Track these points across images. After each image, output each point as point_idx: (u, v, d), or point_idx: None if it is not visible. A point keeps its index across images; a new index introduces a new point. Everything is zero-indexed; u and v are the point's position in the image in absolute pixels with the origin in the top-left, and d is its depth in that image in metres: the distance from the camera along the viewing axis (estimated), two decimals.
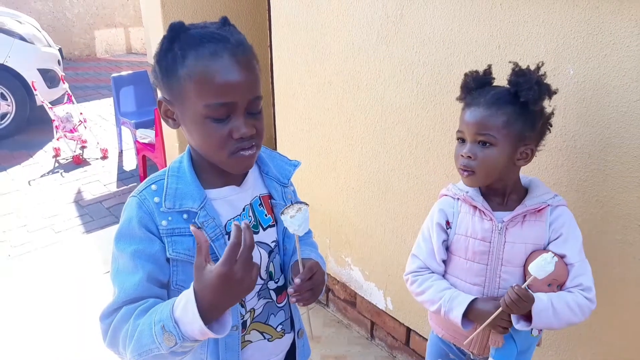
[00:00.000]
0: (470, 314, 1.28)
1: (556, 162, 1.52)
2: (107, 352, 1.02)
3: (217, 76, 0.93)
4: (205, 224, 1.02)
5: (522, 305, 1.18)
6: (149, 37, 7.20)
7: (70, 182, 4.56)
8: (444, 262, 1.41)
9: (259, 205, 1.14)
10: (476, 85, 1.32)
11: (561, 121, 1.46)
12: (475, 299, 1.29)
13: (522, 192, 1.34)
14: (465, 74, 1.35)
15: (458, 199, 1.38)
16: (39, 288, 3.03)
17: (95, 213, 4.01)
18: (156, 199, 1.02)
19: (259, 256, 1.12)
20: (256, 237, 1.10)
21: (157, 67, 1.00)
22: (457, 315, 1.28)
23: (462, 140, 1.31)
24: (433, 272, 1.41)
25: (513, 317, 1.24)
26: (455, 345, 1.48)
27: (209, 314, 0.85)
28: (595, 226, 1.47)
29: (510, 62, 1.29)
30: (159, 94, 1.06)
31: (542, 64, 1.26)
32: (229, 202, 1.09)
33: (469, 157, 1.26)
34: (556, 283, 1.25)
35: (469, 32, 1.65)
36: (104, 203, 4.19)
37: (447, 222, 1.38)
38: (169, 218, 1.01)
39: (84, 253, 3.40)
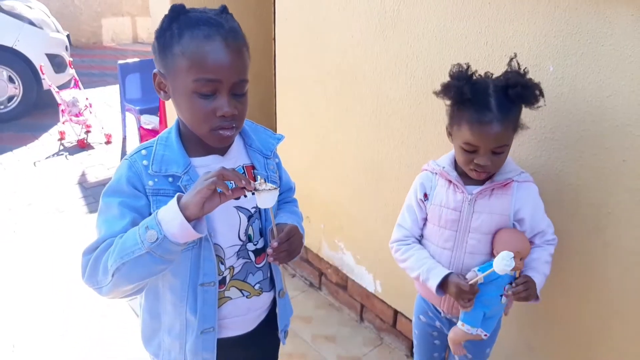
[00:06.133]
0: (443, 285, 1.44)
1: (535, 153, 1.63)
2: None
3: (207, 55, 1.05)
4: (187, 187, 1.13)
5: (466, 297, 1.38)
6: (156, 26, 7.29)
7: (74, 165, 4.66)
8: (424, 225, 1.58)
9: (242, 174, 1.25)
10: (472, 95, 1.36)
11: (540, 115, 1.57)
12: (449, 273, 1.44)
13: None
14: (456, 85, 1.38)
15: (436, 173, 1.52)
16: (43, 262, 3.16)
17: (98, 195, 4.00)
18: (144, 162, 1.14)
19: (239, 219, 1.24)
20: (237, 202, 1.23)
21: (156, 43, 1.12)
22: (432, 285, 1.44)
23: (472, 151, 1.38)
24: (416, 240, 1.58)
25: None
26: (433, 304, 1.65)
27: (186, 210, 1.00)
28: (569, 213, 1.59)
29: (508, 70, 1.40)
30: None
31: (516, 55, 1.41)
32: (212, 170, 1.20)
33: (487, 165, 1.37)
34: (519, 255, 1.39)
35: (459, 28, 1.76)
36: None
37: (425, 195, 1.53)
38: (155, 180, 1.13)
39: (87, 231, 3.51)
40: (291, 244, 1.18)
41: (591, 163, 1.51)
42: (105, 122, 5.45)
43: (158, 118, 4.32)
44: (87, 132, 5.21)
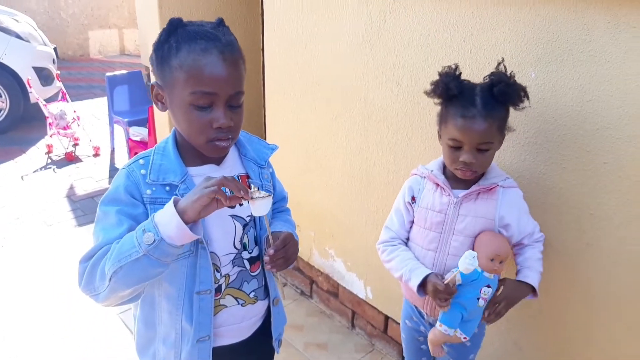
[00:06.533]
0: (424, 286, 1.47)
1: (519, 157, 1.67)
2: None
3: (204, 68, 1.07)
4: (184, 196, 1.13)
5: (441, 296, 1.41)
6: (144, 38, 7.31)
7: (62, 178, 4.64)
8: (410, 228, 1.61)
9: (241, 184, 1.27)
10: (458, 92, 1.43)
11: (524, 120, 1.62)
12: (429, 274, 1.47)
13: (480, 173, 1.50)
14: (443, 81, 1.44)
15: (424, 177, 1.56)
16: (31, 278, 3.13)
17: (87, 208, 4.09)
18: (142, 171, 1.16)
19: (234, 228, 1.26)
20: (232, 211, 1.24)
21: (154, 55, 1.14)
22: (413, 285, 1.48)
23: (457, 147, 1.42)
24: (402, 242, 1.61)
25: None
26: (417, 308, 1.68)
27: (184, 215, 1.02)
28: (552, 215, 1.62)
29: (494, 71, 1.44)
30: (152, 79, 1.19)
31: (503, 60, 1.45)
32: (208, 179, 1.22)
33: (472, 162, 1.40)
34: (499, 259, 1.42)
35: (444, 37, 1.80)
36: (95, 198, 4.27)
37: (413, 198, 1.57)
38: (153, 189, 1.15)
39: (76, 245, 3.50)
40: (287, 251, 1.21)
41: (573, 166, 1.55)
42: (93, 135, 5.44)
43: (147, 129, 4.33)
44: (75, 144, 5.21)
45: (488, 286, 1.43)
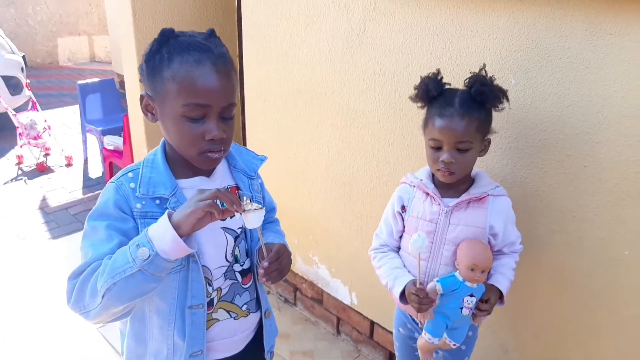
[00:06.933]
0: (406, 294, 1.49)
1: (501, 161, 1.70)
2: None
3: (197, 80, 1.06)
4: (176, 209, 1.12)
5: (416, 299, 1.41)
6: (116, 45, 7.18)
7: (34, 190, 4.51)
8: (400, 237, 1.62)
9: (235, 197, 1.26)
10: (437, 93, 1.45)
11: (505, 125, 1.64)
12: (409, 280, 1.48)
13: (469, 181, 1.53)
14: (424, 82, 1.48)
15: (414, 186, 1.56)
16: (4, 292, 3.03)
17: (60, 220, 3.99)
18: (132, 185, 1.14)
19: (225, 240, 1.24)
20: (223, 223, 1.23)
21: (145, 65, 1.12)
22: (396, 292, 1.50)
23: (437, 147, 1.44)
24: (391, 249, 1.62)
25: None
26: (410, 316, 1.68)
27: (178, 229, 1.00)
28: (535, 218, 1.66)
29: (471, 72, 1.46)
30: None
31: (485, 65, 1.46)
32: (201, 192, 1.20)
33: (450, 162, 1.41)
34: (478, 268, 1.41)
35: (424, 44, 1.82)
36: (69, 210, 4.17)
37: (403, 207, 1.57)
38: (143, 202, 1.13)
39: (51, 258, 3.40)
40: (281, 262, 1.19)
41: (554, 169, 1.58)
42: (65, 144, 5.32)
43: (121, 138, 4.25)
44: (47, 155, 5.07)
45: (471, 295, 1.43)
